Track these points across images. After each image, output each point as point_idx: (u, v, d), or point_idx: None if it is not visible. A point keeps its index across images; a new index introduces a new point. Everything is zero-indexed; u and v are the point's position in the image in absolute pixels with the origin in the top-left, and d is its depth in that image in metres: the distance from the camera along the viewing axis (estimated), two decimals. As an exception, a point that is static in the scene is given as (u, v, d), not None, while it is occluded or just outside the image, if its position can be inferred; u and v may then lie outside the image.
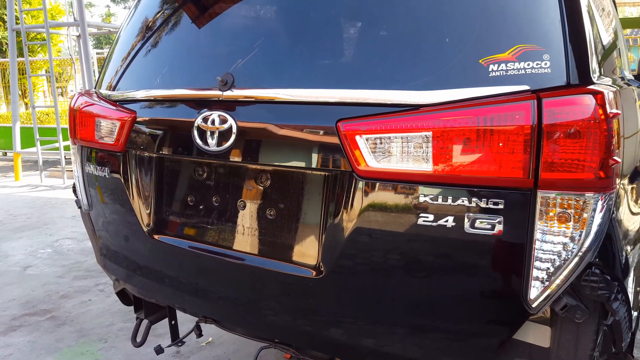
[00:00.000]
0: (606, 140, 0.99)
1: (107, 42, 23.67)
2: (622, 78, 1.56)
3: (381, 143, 1.11)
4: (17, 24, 7.10)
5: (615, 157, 1.00)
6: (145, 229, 1.54)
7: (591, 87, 1.04)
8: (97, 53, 11.73)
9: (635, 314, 1.41)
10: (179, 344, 1.92)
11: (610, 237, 1.09)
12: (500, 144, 1.02)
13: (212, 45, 1.48)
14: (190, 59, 1.52)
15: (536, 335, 1.15)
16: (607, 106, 1.00)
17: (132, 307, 1.95)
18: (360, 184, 1.16)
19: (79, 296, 3.29)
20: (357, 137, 1.13)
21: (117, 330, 2.80)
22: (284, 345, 1.47)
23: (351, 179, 1.17)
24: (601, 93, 1.00)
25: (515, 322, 1.12)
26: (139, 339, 1.88)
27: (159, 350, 1.89)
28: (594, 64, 1.13)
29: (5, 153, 10.54)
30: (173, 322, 1.89)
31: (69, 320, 2.95)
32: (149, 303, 1.83)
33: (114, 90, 1.64)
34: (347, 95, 1.17)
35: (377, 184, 1.14)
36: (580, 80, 1.05)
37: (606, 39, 1.43)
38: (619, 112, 1.02)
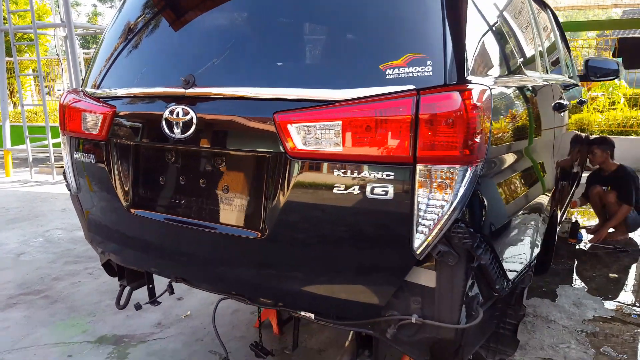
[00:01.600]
0: (469, 126, 1.28)
1: (94, 42, 23.72)
2: (519, 77, 1.83)
3: (306, 130, 1.41)
4: (5, 24, 7.32)
5: (476, 139, 1.29)
6: (124, 205, 1.85)
7: (461, 86, 1.31)
8: (84, 53, 11.88)
9: (518, 268, 1.70)
10: (155, 304, 2.22)
11: (477, 199, 1.37)
12: (390, 130, 1.32)
13: (179, 49, 1.78)
14: (161, 60, 1.82)
15: (426, 278, 1.42)
16: (472, 100, 1.28)
17: (118, 287, 2.25)
18: (291, 163, 1.45)
19: (70, 278, 3.58)
20: (289, 126, 1.42)
21: (105, 306, 3.09)
22: (239, 296, 1.77)
23: (285, 159, 1.46)
24: (468, 90, 1.29)
25: (407, 265, 1.40)
26: (122, 303, 2.18)
27: (137, 306, 2.18)
28: (473, 68, 1.41)
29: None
30: (150, 286, 2.18)
31: (61, 299, 3.24)
32: (130, 271, 2.13)
33: (97, 88, 1.94)
34: (281, 93, 1.47)
35: (304, 163, 1.44)
36: (457, 81, 1.32)
37: (501, 46, 1.72)
38: (481, 105, 1.30)
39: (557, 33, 3.13)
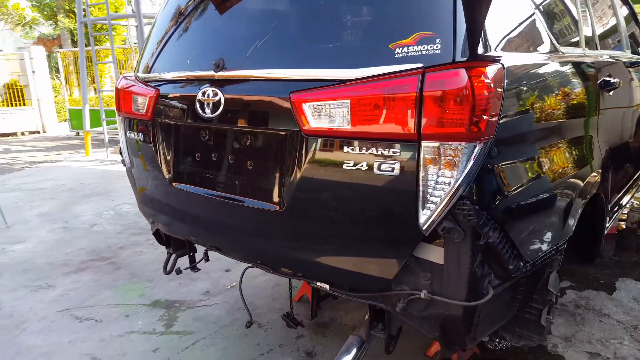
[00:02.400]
0: (475, 103, 1.26)
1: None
2: (552, 52, 1.79)
3: (318, 108, 1.48)
4: (84, 17, 7.92)
5: (484, 117, 1.29)
6: (167, 179, 2.05)
7: (469, 63, 1.29)
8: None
9: (540, 250, 1.67)
10: (194, 270, 2.42)
11: (485, 177, 1.36)
12: (396, 108, 1.35)
13: (213, 35, 1.92)
14: (197, 46, 1.97)
15: (434, 254, 1.45)
16: (480, 78, 1.28)
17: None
18: (305, 140, 1.53)
19: (133, 248, 3.92)
20: (303, 105, 1.50)
21: (161, 274, 3.34)
22: (263, 265, 1.91)
23: (299, 137, 1.55)
24: (476, 68, 1.29)
25: (414, 241, 1.43)
26: (168, 268, 2.40)
27: (177, 270, 2.39)
28: (488, 45, 1.39)
29: (78, 132, 11.68)
30: (191, 254, 2.39)
31: (124, 266, 3.58)
32: (175, 239, 2.34)
33: (145, 72, 2.14)
34: (298, 74, 1.56)
35: (317, 140, 1.52)
36: (467, 58, 1.30)
37: (528, 23, 1.69)
38: (491, 82, 1.30)
39: (620, 6, 2.95)
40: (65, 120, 13.29)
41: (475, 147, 1.30)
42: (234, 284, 3.17)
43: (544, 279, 1.83)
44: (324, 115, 1.48)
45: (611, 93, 2.23)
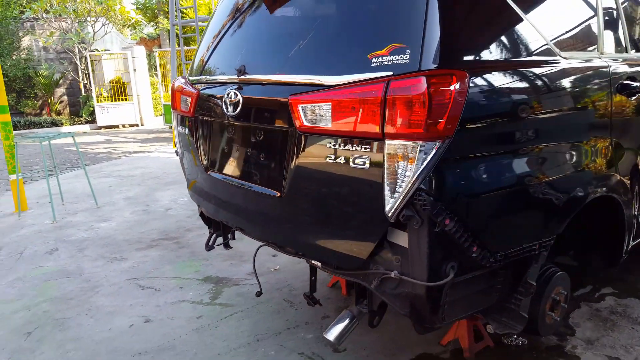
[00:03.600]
0: (432, 108, 1.42)
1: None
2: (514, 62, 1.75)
3: (308, 109, 1.70)
4: (176, 19, 8.67)
5: (441, 120, 1.44)
6: (203, 167, 2.37)
7: (431, 72, 1.44)
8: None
9: (515, 244, 1.73)
10: (227, 247, 2.72)
11: (443, 173, 1.50)
12: (366, 111, 1.54)
13: (241, 44, 2.21)
14: (229, 53, 2.27)
15: (402, 239, 1.61)
16: (440, 85, 1.43)
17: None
18: (299, 137, 1.77)
19: (198, 231, 4.37)
20: (298, 106, 1.73)
21: (216, 254, 3.74)
22: (273, 244, 2.16)
23: (295, 133, 1.79)
24: (437, 77, 1.43)
25: (382, 226, 1.60)
26: (209, 246, 2.73)
27: (210, 247, 2.70)
28: (458, 55, 1.54)
29: (170, 126, 12.74)
30: (227, 234, 2.70)
31: (187, 245, 4.02)
32: (214, 220, 2.67)
33: (192, 75, 2.48)
34: (295, 79, 1.79)
35: (307, 136, 1.74)
36: (434, 67, 1.44)
37: (512, 31, 1.74)
38: (452, 89, 1.44)
39: None
40: (161, 115, 14.54)
41: (432, 146, 1.46)
42: (277, 267, 3.47)
43: (530, 273, 1.90)
44: (313, 115, 1.70)
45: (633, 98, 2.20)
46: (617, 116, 2.12)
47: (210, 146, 2.34)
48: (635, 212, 2.30)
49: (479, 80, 1.57)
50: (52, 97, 15.63)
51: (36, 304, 3.03)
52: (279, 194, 1.92)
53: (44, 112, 15.64)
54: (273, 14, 2.07)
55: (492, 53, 1.68)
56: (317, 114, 1.68)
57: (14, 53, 14.76)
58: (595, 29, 2.13)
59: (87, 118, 14.96)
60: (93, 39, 15.00)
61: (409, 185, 1.49)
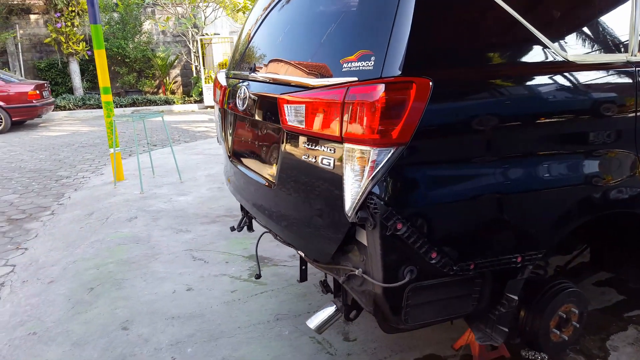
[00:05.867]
0: (389, 114, 1.45)
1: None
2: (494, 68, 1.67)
3: (290, 109, 1.80)
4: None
5: (396, 127, 1.46)
6: (229, 155, 2.58)
7: (390, 79, 1.46)
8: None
9: (482, 254, 1.66)
10: (250, 230, 2.92)
11: (398, 178, 1.52)
12: (330, 114, 1.61)
13: (255, 46, 2.39)
14: (249, 53, 2.45)
15: (364, 237, 1.65)
16: (398, 93, 1.45)
17: None
18: (284, 133, 1.89)
19: (258, 210, 4.67)
20: (284, 105, 1.84)
21: (267, 235, 3.99)
22: (271, 233, 2.31)
23: (282, 130, 1.91)
24: (396, 84, 1.46)
25: (345, 224, 1.65)
26: (238, 227, 2.94)
27: (232, 228, 2.91)
28: (423, 62, 1.52)
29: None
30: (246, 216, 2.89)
31: (244, 224, 4.33)
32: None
33: (228, 70, 2.69)
34: (285, 79, 1.91)
35: (289, 134, 1.86)
36: (396, 74, 1.46)
37: (489, 38, 1.66)
38: (409, 97, 1.45)
39: None
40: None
41: (385, 152, 1.50)
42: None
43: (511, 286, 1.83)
44: (294, 115, 1.81)
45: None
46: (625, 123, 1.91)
47: (231, 136, 2.55)
48: None
49: (443, 90, 1.55)
50: (167, 78, 17.11)
51: (105, 263, 3.51)
52: (271, 186, 2.06)
53: (160, 91, 17.19)
54: (282, 15, 2.19)
55: (465, 61, 1.63)
56: (296, 114, 1.79)
57: (136, 36, 16.33)
58: (633, 26, 1.91)
59: (196, 98, 16.18)
60: (204, 24, 16.08)
61: (363, 189, 1.54)
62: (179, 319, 2.76)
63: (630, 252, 2.26)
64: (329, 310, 2.03)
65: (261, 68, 2.17)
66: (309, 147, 1.77)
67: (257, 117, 2.17)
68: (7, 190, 5.83)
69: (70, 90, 15.09)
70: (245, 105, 2.19)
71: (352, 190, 1.58)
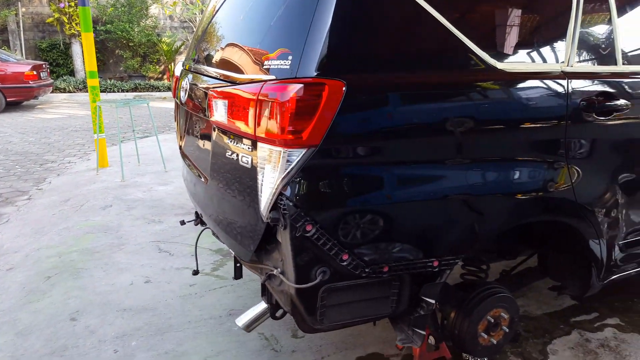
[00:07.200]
0: (300, 115, 1.42)
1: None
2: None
3: (216, 103, 1.76)
4: None
5: (307, 128, 1.42)
6: (180, 149, 2.54)
7: (303, 79, 1.43)
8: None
9: (392, 257, 1.63)
10: (196, 224, 2.85)
11: (308, 179, 1.48)
12: (246, 112, 1.57)
13: (203, 39, 2.33)
14: (196, 45, 2.40)
15: (280, 236, 1.61)
16: (309, 93, 1.41)
17: None
18: (212, 127, 1.85)
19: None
20: (212, 99, 1.81)
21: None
22: (209, 228, 2.27)
23: (210, 123, 1.88)
24: (309, 85, 1.42)
25: (261, 223, 1.62)
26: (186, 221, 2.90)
27: (181, 222, 2.86)
28: (338, 64, 1.47)
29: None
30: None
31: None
32: None
33: (185, 60, 2.64)
34: (217, 72, 1.87)
35: (218, 129, 1.82)
36: (311, 75, 1.43)
37: (410, 42, 1.61)
38: (321, 98, 1.42)
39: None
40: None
41: (295, 153, 1.46)
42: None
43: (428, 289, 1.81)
44: (219, 109, 1.78)
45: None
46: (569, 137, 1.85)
47: (180, 130, 2.51)
48: (604, 245, 2.04)
49: (359, 94, 1.50)
50: (172, 64, 17.06)
51: (69, 252, 3.49)
52: (206, 182, 2.02)
53: (165, 77, 17.15)
54: (231, 5, 2.14)
55: (384, 67, 1.57)
56: (221, 109, 1.75)
57: (142, 20, 16.27)
58: (570, 36, 1.85)
59: (198, 84, 16.16)
60: (209, 10, 16.00)
61: (274, 189, 1.52)
62: (130, 312, 2.73)
63: (567, 261, 2.23)
64: (259, 308, 2.00)
65: (203, 60, 2.13)
66: (233, 144, 1.74)
67: (193, 111, 2.13)
68: (-8, 172, 5.84)
69: (72, 73, 15.10)
70: (186, 98, 2.15)
71: (266, 190, 1.56)
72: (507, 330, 2.03)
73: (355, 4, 1.51)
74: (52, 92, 12.66)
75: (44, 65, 11.44)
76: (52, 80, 12.47)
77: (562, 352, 2.38)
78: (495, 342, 2.02)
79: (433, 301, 1.79)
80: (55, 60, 15.16)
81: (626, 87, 1.95)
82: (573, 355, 2.36)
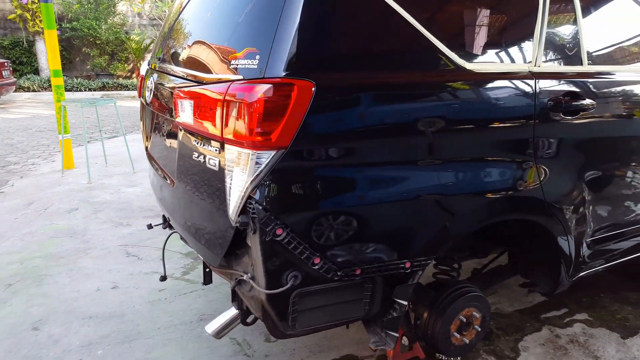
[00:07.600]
0: (267, 117, 1.38)
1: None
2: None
3: (182, 103, 1.72)
4: None
5: (277, 130, 1.39)
6: (146, 147, 2.47)
7: (269, 80, 1.39)
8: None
9: (359, 260, 1.61)
10: (164, 228, 2.78)
11: (277, 182, 1.45)
12: (212, 113, 1.52)
13: (168, 37, 2.27)
14: (162, 43, 2.33)
15: (250, 241, 1.57)
16: (276, 94, 1.37)
17: None
18: (180, 130, 1.80)
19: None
20: (177, 99, 1.76)
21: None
22: (176, 232, 2.21)
23: (177, 124, 1.82)
24: (277, 86, 1.38)
25: (230, 228, 1.58)
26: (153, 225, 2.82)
27: (149, 226, 2.78)
28: (306, 64, 1.43)
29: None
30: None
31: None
32: None
33: (151, 59, 2.56)
34: (182, 72, 1.82)
35: (182, 129, 1.77)
36: (279, 75, 1.39)
37: (381, 43, 1.59)
38: (289, 100, 1.38)
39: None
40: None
41: (264, 155, 1.43)
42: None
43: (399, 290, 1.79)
44: (184, 109, 1.73)
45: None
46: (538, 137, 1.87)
47: (146, 128, 2.45)
48: (573, 242, 2.07)
49: (328, 94, 1.48)
50: (141, 62, 16.71)
51: (31, 258, 3.36)
52: (173, 184, 1.96)
53: (133, 75, 16.78)
54: (196, 2, 2.07)
55: (354, 66, 1.55)
56: (187, 109, 1.70)
57: (109, 17, 15.87)
58: (537, 36, 1.87)
59: (168, 83, 15.89)
60: (178, 7, 15.74)
61: (243, 192, 1.48)
62: (97, 319, 2.64)
63: (537, 258, 2.26)
64: (229, 314, 1.95)
65: (169, 59, 2.07)
66: (200, 145, 1.69)
67: (159, 111, 2.07)
68: (-51, 175, 5.59)
69: (36, 71, 14.62)
70: (151, 98, 2.09)
71: (235, 193, 1.52)
72: (480, 329, 2.04)
73: (324, 2, 1.48)
74: (16, 91, 12.23)
75: (5, 64, 11.03)
76: (15, 79, 12.02)
77: (534, 348, 2.41)
78: (467, 341, 2.02)
79: (406, 303, 1.78)
80: (19, 59, 14.65)
81: (591, 86, 1.98)
82: (544, 351, 2.39)
